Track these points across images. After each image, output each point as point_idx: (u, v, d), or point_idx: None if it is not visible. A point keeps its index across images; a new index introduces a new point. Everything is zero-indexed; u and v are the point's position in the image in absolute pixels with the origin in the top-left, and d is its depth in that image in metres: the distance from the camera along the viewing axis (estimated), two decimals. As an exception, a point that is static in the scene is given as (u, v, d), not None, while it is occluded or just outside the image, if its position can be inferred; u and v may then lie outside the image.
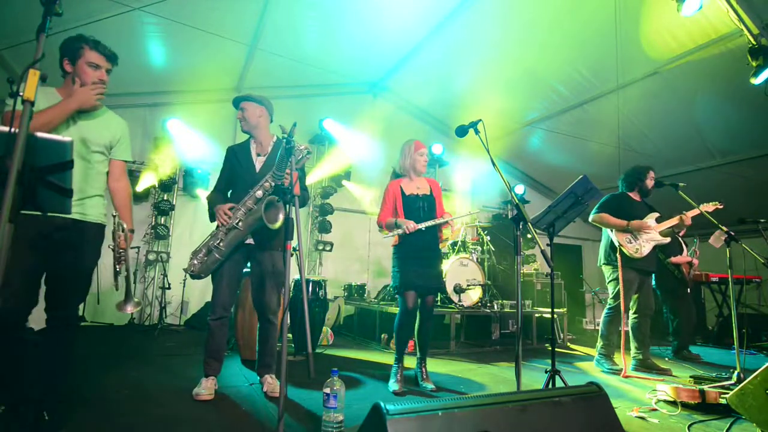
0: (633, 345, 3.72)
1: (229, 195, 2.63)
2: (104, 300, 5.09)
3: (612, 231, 3.68)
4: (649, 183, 3.84)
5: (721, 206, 3.60)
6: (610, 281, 3.74)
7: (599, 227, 3.89)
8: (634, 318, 3.72)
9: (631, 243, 3.59)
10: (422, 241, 2.81)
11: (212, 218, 2.53)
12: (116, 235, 1.94)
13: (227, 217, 2.42)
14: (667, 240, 3.69)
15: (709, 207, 3.60)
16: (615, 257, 3.61)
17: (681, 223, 3.66)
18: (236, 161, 2.59)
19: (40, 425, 1.71)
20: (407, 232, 2.72)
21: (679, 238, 4.84)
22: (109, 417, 2.02)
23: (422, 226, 2.75)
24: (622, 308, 3.53)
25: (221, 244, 2.41)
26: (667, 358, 4.41)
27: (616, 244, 3.62)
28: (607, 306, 3.72)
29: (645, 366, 3.62)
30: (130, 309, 2.04)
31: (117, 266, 1.94)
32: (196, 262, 2.43)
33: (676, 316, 4.74)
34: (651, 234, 3.62)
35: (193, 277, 2.45)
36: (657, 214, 3.73)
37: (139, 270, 5.39)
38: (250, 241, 2.51)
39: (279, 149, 2.64)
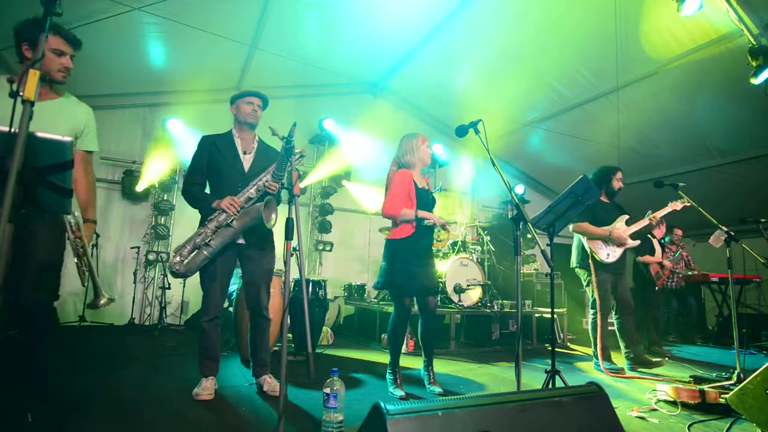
0: (622, 345, 3.73)
1: (207, 191, 2.55)
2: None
3: (584, 237, 3.70)
4: (616, 184, 3.79)
5: (688, 204, 3.62)
6: (587, 285, 3.77)
7: None
8: (617, 318, 3.76)
9: (602, 249, 3.64)
10: (427, 240, 2.76)
11: (206, 213, 2.43)
12: (69, 226, 1.77)
13: (235, 207, 2.35)
14: (637, 243, 3.72)
15: (677, 205, 3.67)
16: (588, 262, 3.64)
17: (651, 224, 3.69)
18: (219, 155, 2.50)
19: (24, 426, 1.69)
20: (437, 224, 2.65)
21: (653, 240, 4.89)
22: (109, 417, 2.02)
23: (445, 223, 2.71)
24: (598, 311, 3.59)
25: (211, 242, 2.34)
26: (669, 357, 4.42)
27: (588, 250, 3.65)
28: (591, 312, 3.72)
29: (638, 362, 3.64)
30: (101, 304, 1.89)
31: (75, 260, 1.81)
32: (179, 259, 2.33)
33: (645, 313, 4.89)
34: (625, 242, 3.66)
35: (176, 275, 2.36)
36: (627, 216, 3.75)
37: (139, 270, 5.39)
38: (241, 240, 2.46)
39: (264, 150, 2.61)
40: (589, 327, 3.74)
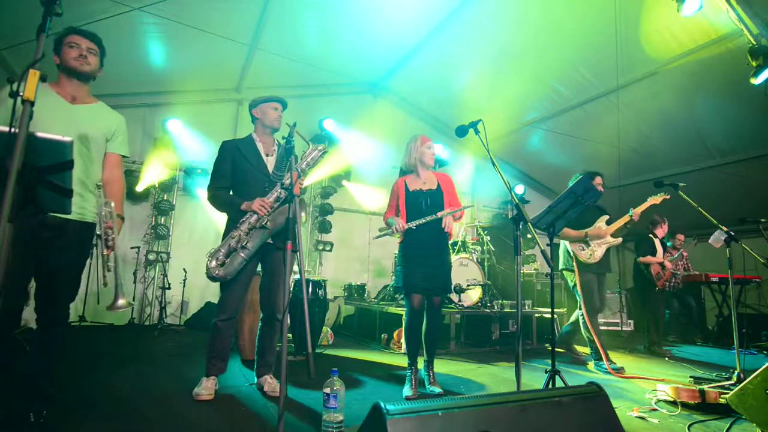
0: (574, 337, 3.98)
1: (231, 194, 2.59)
2: (104, 300, 5.08)
3: (566, 240, 3.82)
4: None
5: (668, 197, 3.74)
6: (573, 286, 3.85)
7: None
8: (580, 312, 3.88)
9: (584, 250, 3.74)
10: (426, 238, 2.72)
11: (234, 216, 2.45)
12: (103, 217, 1.80)
13: (267, 208, 2.38)
14: (619, 241, 3.79)
15: (657, 199, 3.78)
16: (573, 264, 3.75)
17: (632, 221, 3.74)
18: (243, 158, 2.54)
19: (25, 427, 1.70)
20: (394, 232, 2.67)
21: (654, 240, 4.90)
22: (109, 417, 2.03)
23: (413, 224, 2.66)
24: (583, 309, 3.70)
25: (248, 244, 2.36)
26: (669, 357, 4.42)
27: (571, 252, 3.75)
28: (579, 313, 3.79)
29: (574, 353, 4.00)
30: (120, 303, 1.88)
31: (105, 253, 1.78)
32: (215, 264, 2.35)
33: (645, 313, 4.95)
34: (604, 238, 3.76)
35: (214, 280, 2.38)
36: (607, 217, 3.85)
37: (139, 270, 5.39)
38: (269, 240, 2.48)
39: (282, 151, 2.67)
40: (582, 330, 3.80)
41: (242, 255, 2.37)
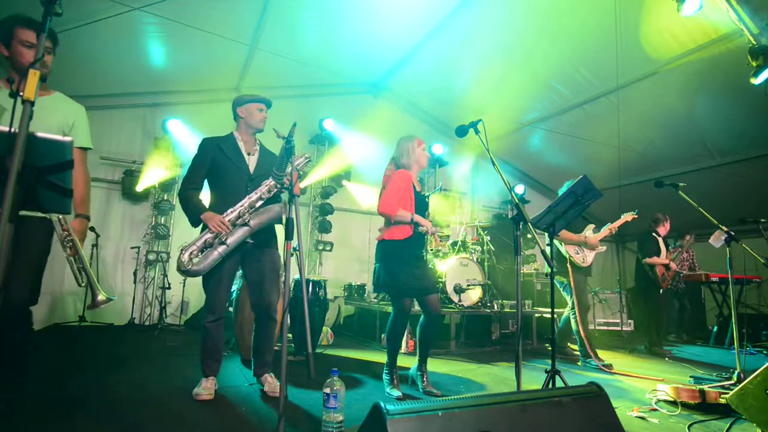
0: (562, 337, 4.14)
1: (208, 191, 2.54)
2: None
3: (561, 243, 4.01)
4: None
5: (636, 216, 4.13)
6: (563, 289, 4.03)
7: None
8: (574, 317, 4.02)
9: (578, 254, 4.01)
10: (423, 241, 2.81)
11: (195, 222, 2.40)
12: (58, 222, 1.76)
13: (225, 227, 2.33)
14: (605, 248, 4.19)
15: (629, 217, 4.14)
16: (566, 266, 3.92)
17: (611, 233, 4.12)
18: (224, 156, 2.49)
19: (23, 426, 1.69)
20: (429, 234, 2.70)
21: (658, 238, 4.91)
22: (109, 417, 2.02)
23: (437, 231, 2.79)
24: (576, 308, 3.90)
25: (228, 239, 2.33)
26: (669, 357, 4.42)
27: (566, 255, 3.95)
28: (571, 312, 3.95)
29: (568, 353, 4.16)
30: (99, 300, 1.81)
31: (65, 254, 1.76)
32: (187, 257, 2.28)
33: (647, 313, 4.98)
34: (595, 245, 4.08)
35: (187, 274, 2.31)
36: (593, 226, 4.15)
37: (139, 270, 5.39)
38: (249, 240, 2.46)
39: (265, 152, 2.64)
40: (572, 325, 3.94)
41: (219, 250, 2.32)
